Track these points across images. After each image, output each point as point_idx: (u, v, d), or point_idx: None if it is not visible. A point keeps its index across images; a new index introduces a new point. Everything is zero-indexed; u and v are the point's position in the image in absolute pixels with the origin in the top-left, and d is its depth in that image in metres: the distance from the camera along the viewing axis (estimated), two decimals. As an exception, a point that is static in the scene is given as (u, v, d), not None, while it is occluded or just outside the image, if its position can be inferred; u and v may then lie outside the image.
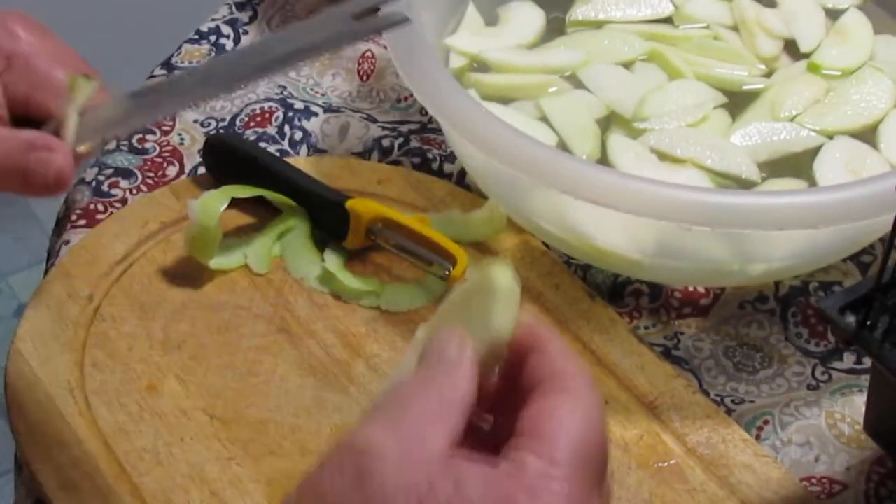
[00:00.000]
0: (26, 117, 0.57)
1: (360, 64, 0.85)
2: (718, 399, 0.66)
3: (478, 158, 0.68)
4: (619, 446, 0.63)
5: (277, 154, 0.77)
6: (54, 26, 0.58)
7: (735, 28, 0.79)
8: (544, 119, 0.73)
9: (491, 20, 0.80)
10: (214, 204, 0.69)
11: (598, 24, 0.79)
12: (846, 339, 0.57)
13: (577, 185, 0.61)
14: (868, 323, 0.56)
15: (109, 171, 0.77)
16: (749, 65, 0.77)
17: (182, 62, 0.86)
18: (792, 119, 0.73)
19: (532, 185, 0.65)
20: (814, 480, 0.63)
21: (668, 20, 0.80)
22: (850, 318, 0.57)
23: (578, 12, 0.80)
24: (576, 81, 0.75)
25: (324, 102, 0.83)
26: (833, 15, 0.80)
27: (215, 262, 0.70)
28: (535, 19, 0.80)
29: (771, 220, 0.61)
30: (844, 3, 0.82)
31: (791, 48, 0.78)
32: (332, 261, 0.70)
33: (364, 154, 0.78)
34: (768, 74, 0.77)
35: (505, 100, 0.74)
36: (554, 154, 0.64)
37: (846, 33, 0.79)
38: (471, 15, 0.80)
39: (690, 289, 0.71)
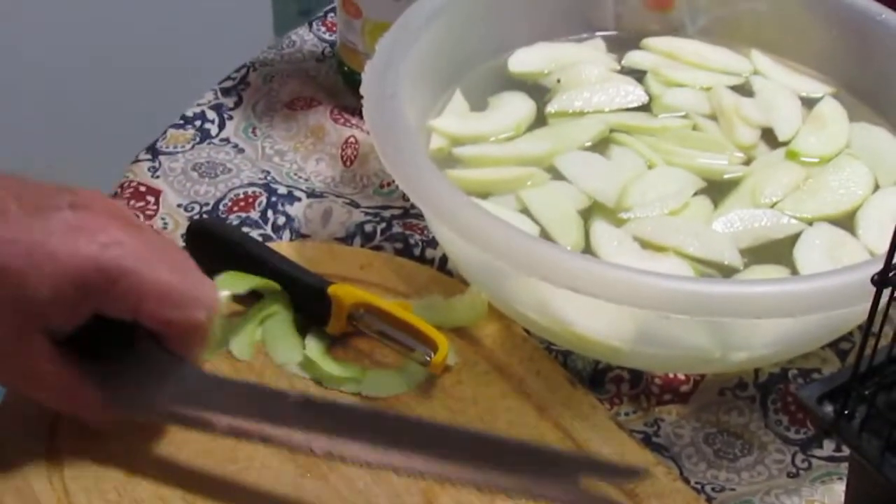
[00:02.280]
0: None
1: (343, 149, 0.86)
2: (699, 487, 0.66)
3: (459, 246, 0.68)
4: (601, 535, 0.62)
5: (260, 239, 0.78)
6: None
7: (713, 117, 0.81)
8: (525, 211, 0.73)
9: (482, 109, 0.81)
10: None
11: (579, 115, 0.80)
12: (825, 429, 0.58)
13: (556, 273, 0.62)
14: (846, 412, 0.56)
15: (92, 256, 0.77)
16: (728, 153, 0.78)
17: (167, 147, 0.86)
18: (772, 206, 0.74)
19: (513, 273, 0.65)
20: (795, 570, 0.63)
21: (646, 108, 0.81)
22: (829, 408, 0.57)
23: (556, 103, 0.81)
24: (555, 172, 0.76)
25: (307, 187, 0.83)
26: (808, 103, 0.82)
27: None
28: (521, 109, 0.80)
29: (749, 309, 0.61)
30: (819, 91, 0.83)
31: (768, 136, 0.79)
32: (314, 347, 0.70)
33: (346, 239, 0.79)
34: (747, 162, 0.78)
35: (483, 195, 0.74)
36: (534, 242, 0.65)
37: (822, 121, 0.80)
38: (457, 100, 0.81)
39: (671, 375, 0.71)
